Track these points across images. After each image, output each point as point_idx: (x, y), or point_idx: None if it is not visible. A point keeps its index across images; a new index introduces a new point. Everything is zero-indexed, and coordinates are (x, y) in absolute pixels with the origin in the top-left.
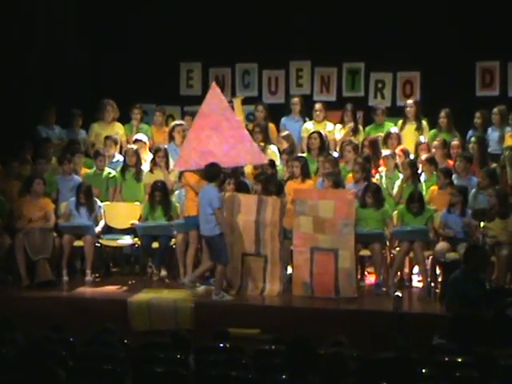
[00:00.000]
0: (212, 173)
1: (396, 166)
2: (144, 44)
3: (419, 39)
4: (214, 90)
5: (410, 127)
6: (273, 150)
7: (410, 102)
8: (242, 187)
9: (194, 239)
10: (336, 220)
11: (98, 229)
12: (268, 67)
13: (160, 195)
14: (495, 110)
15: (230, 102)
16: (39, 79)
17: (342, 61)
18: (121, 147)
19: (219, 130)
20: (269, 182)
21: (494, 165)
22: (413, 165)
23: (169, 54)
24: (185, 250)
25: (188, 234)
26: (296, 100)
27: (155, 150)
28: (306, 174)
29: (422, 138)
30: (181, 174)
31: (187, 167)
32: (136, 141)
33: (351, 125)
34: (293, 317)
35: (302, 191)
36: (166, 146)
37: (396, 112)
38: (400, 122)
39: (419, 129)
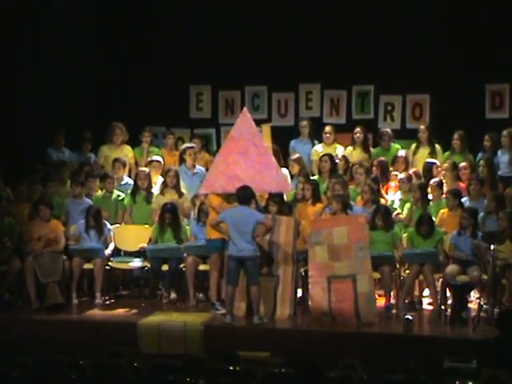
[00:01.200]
0: (246, 195)
1: (410, 189)
2: (154, 67)
3: (428, 62)
4: (245, 116)
5: (423, 151)
6: (284, 173)
7: (422, 127)
8: (284, 209)
9: (216, 263)
10: (351, 245)
11: (107, 251)
12: (277, 90)
13: (170, 217)
14: (505, 132)
15: (259, 127)
16: (49, 101)
17: (351, 83)
18: (130, 170)
19: (247, 156)
20: (284, 203)
21: (507, 190)
22: (422, 187)
23: (179, 77)
24: (194, 273)
25: (190, 257)
26: (305, 123)
27: (166, 171)
28: (317, 198)
29: (434, 161)
30: (193, 199)
31: (213, 190)
32: (151, 162)
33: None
34: (303, 340)
35: (319, 222)
36: (176, 168)
37: (405, 134)
38: (413, 146)
39: (433, 153)
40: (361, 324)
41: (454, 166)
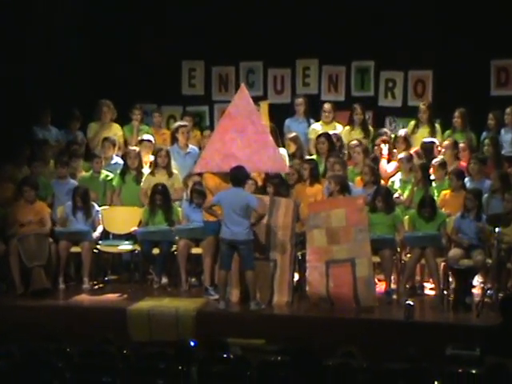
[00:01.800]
0: (239, 176)
1: (411, 169)
2: (144, 42)
3: (431, 36)
4: (243, 92)
5: (423, 131)
6: (281, 153)
7: (423, 106)
8: (282, 190)
9: (212, 245)
10: (349, 228)
11: (95, 234)
12: (273, 66)
13: (161, 199)
14: (508, 110)
15: (257, 105)
16: (36, 78)
17: (350, 59)
18: (119, 149)
19: (244, 134)
20: (282, 184)
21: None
22: (424, 167)
23: (170, 52)
24: (187, 256)
25: (182, 240)
26: (300, 100)
27: (156, 151)
28: (315, 178)
29: (434, 140)
30: (186, 179)
31: (208, 169)
32: (142, 141)
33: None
34: (299, 327)
35: (316, 205)
36: (168, 148)
37: (407, 112)
38: (412, 123)
39: (432, 132)
40: (360, 309)
41: (455, 145)
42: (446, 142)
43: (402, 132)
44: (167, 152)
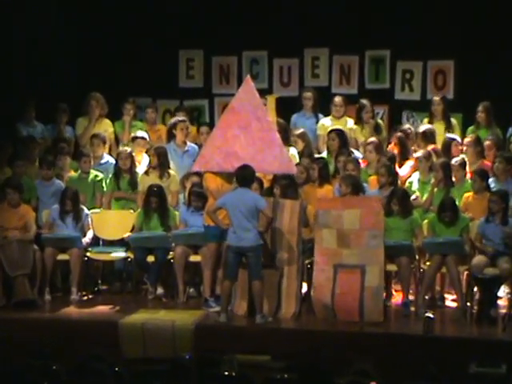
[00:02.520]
0: (246, 176)
1: (430, 168)
2: (138, 29)
3: (453, 23)
4: (248, 84)
5: (438, 127)
6: (292, 152)
7: (436, 98)
8: (289, 192)
9: (212, 252)
10: (362, 231)
11: (85, 240)
12: (279, 55)
13: (156, 201)
14: None
15: (264, 99)
16: (18, 69)
17: (364, 48)
18: (110, 147)
19: (248, 131)
20: (290, 186)
21: None
22: (445, 166)
23: (166, 41)
24: (184, 265)
25: (179, 247)
26: (308, 94)
27: (152, 149)
28: (324, 178)
29: (454, 136)
30: (183, 180)
31: (208, 168)
32: (134, 139)
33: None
34: (308, 342)
35: (325, 201)
36: (164, 146)
37: (426, 106)
38: (425, 120)
39: (449, 128)
40: (363, 323)
41: (478, 142)
42: (467, 139)
43: (422, 128)
44: (164, 150)
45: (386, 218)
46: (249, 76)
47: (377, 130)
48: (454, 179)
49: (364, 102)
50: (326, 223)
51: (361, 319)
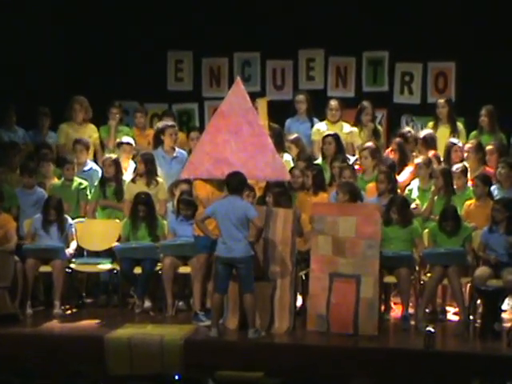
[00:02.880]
0: (237, 183)
1: (431, 175)
2: (125, 29)
3: (454, 22)
4: (238, 87)
5: (444, 131)
6: (286, 159)
7: (441, 101)
8: (282, 200)
9: (202, 264)
10: (358, 240)
11: (69, 251)
12: (273, 57)
13: (144, 210)
14: None
15: (254, 102)
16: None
17: (361, 49)
18: (95, 153)
19: (239, 135)
20: (283, 194)
21: None
22: (446, 173)
23: (154, 41)
24: (173, 276)
25: (167, 258)
26: (301, 97)
27: (141, 155)
28: (319, 186)
29: (455, 141)
30: (172, 188)
31: (197, 175)
32: (120, 144)
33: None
34: (303, 357)
35: (320, 206)
36: (151, 152)
37: (427, 110)
38: (430, 124)
39: (454, 132)
40: (357, 336)
41: (479, 147)
42: (468, 145)
43: (423, 133)
44: (151, 156)
45: (384, 227)
46: (239, 78)
47: (375, 134)
48: (455, 187)
49: (365, 103)
50: (322, 229)
51: (355, 332)
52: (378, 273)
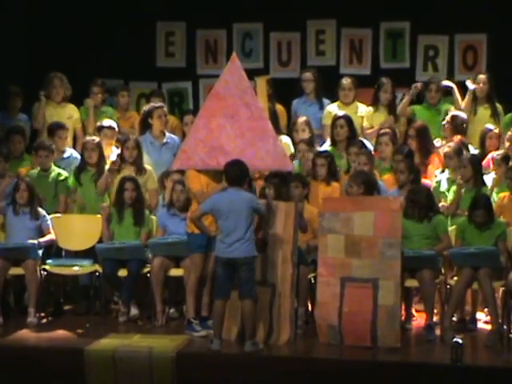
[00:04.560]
0: (238, 174)
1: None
2: None
3: None
4: (234, 64)
5: (484, 112)
6: (285, 141)
7: (482, 76)
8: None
9: (197, 265)
10: (377, 239)
11: (41, 240)
12: (277, 29)
13: (130, 196)
14: None
15: (253, 81)
16: None
17: (378, 19)
18: (75, 138)
19: (235, 120)
20: (284, 185)
21: None
22: (476, 162)
23: (141, 11)
24: (163, 280)
25: (157, 258)
26: (307, 75)
27: (123, 142)
28: (333, 175)
29: (491, 126)
30: (163, 179)
31: (190, 166)
32: (101, 128)
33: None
34: (308, 372)
35: (331, 201)
36: (138, 138)
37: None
38: (463, 103)
39: (495, 115)
40: (376, 349)
41: None
42: (509, 133)
43: (457, 113)
44: (137, 142)
45: (405, 221)
46: (235, 53)
47: (394, 115)
48: (494, 176)
49: (384, 80)
50: (333, 228)
51: (373, 344)
52: (399, 276)
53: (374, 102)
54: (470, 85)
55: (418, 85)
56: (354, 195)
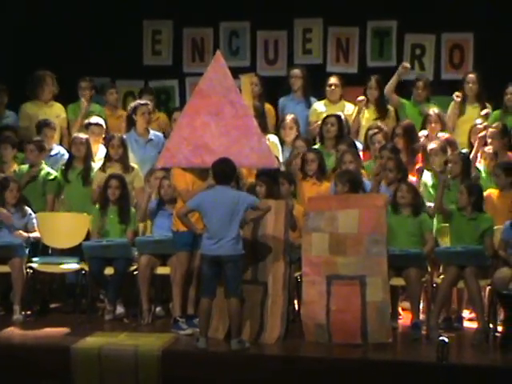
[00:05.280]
0: (226, 171)
1: (446, 163)
2: None
3: None
4: (218, 62)
5: (472, 111)
6: (272, 140)
7: (471, 75)
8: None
9: (183, 263)
10: (362, 236)
11: (27, 236)
12: (264, 27)
13: (115, 194)
14: None
15: (237, 79)
16: None
17: (365, 18)
18: (61, 136)
19: (220, 118)
20: (276, 183)
21: None
22: (464, 159)
23: (128, 9)
24: (150, 278)
25: (143, 256)
26: (296, 72)
27: (108, 139)
28: (323, 173)
29: (479, 121)
30: (148, 177)
31: (174, 164)
32: (88, 126)
33: (362, 99)
34: (298, 371)
35: (317, 200)
36: (123, 136)
37: (440, 88)
38: (453, 104)
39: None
40: (367, 346)
41: (504, 131)
42: (491, 129)
43: (436, 110)
44: (122, 140)
45: (391, 215)
46: (219, 51)
47: (382, 112)
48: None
49: (372, 78)
50: (317, 227)
51: (364, 341)
52: (386, 272)
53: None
54: (456, 97)
55: (406, 64)
56: (340, 193)
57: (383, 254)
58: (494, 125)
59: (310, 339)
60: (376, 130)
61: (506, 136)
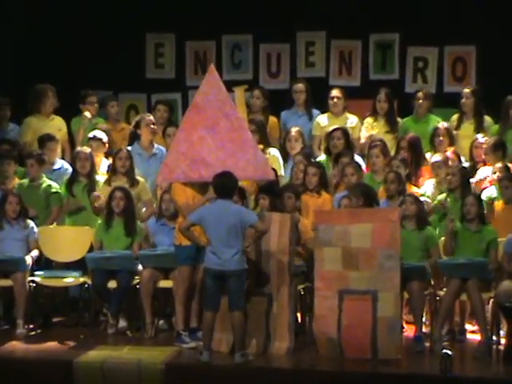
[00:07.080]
0: (228, 185)
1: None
2: (97, 8)
3: (475, 1)
4: (212, 75)
5: (468, 127)
6: (273, 154)
7: (467, 90)
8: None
9: (186, 277)
10: (375, 250)
11: (28, 258)
12: (267, 40)
13: (121, 205)
14: None
15: (231, 91)
16: None
17: (368, 31)
18: (63, 150)
19: (216, 131)
20: (279, 196)
21: None
22: (464, 172)
23: (131, 23)
24: (153, 291)
25: (146, 270)
26: (299, 86)
27: (116, 152)
28: (324, 185)
29: (480, 137)
30: (156, 189)
31: (173, 179)
32: (90, 139)
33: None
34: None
35: (325, 214)
36: (128, 149)
37: (443, 101)
38: (454, 117)
39: (479, 128)
40: (377, 361)
41: (499, 145)
42: (485, 146)
43: (445, 124)
44: (129, 153)
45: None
46: (213, 65)
47: (392, 125)
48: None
49: (382, 91)
50: (329, 241)
51: (374, 356)
52: (398, 287)
53: (374, 113)
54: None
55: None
56: (354, 207)
57: (396, 269)
58: (488, 139)
59: (323, 353)
60: (375, 143)
61: (501, 149)
